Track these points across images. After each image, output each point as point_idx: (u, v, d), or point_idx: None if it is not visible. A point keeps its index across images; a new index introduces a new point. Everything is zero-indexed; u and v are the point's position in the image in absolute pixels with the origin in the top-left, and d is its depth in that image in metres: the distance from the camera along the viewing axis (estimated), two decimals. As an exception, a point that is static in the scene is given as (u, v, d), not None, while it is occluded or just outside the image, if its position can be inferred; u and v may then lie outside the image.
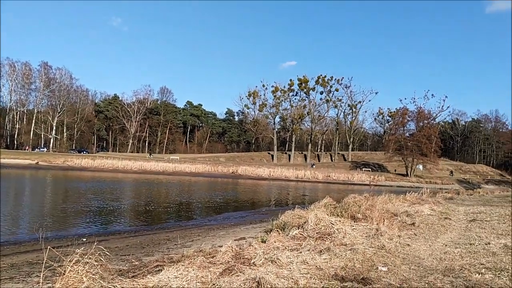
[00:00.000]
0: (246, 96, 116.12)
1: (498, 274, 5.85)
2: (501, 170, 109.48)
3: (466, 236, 9.57)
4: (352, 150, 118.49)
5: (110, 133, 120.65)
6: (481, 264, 6.51)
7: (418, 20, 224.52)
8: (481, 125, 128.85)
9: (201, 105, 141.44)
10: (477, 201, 22.92)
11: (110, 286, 4.61)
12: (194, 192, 36.82)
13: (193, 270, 5.45)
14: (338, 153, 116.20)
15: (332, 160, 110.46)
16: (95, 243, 5.47)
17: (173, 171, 67.77)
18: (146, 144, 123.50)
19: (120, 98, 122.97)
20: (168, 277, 5.17)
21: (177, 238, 11.87)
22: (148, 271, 6.05)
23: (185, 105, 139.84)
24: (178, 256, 7.32)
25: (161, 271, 5.51)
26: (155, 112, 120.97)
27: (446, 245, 8.30)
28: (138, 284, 4.83)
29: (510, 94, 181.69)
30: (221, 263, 6.01)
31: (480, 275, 5.80)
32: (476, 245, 8.19)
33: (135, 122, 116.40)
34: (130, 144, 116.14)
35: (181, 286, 4.90)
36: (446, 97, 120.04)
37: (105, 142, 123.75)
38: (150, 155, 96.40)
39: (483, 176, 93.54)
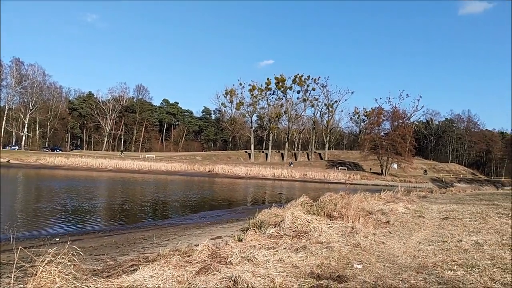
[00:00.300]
0: (223, 95, 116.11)
1: (470, 270, 5.98)
2: (472, 169, 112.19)
3: (439, 233, 9.75)
4: (329, 149, 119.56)
5: (85, 131, 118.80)
6: (453, 261, 6.63)
7: (393, 21, 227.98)
8: (454, 125, 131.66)
9: (178, 103, 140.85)
10: (450, 200, 23.37)
11: (84, 286, 4.53)
12: (170, 190, 36.55)
13: (169, 269, 5.40)
14: (315, 152, 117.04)
15: (309, 159, 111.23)
16: (68, 243, 5.36)
17: (149, 169, 67.20)
18: (122, 142, 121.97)
19: (95, 96, 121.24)
20: (144, 277, 5.10)
21: (153, 237, 11.76)
22: (123, 270, 5.96)
23: (162, 103, 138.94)
24: (154, 255, 7.25)
25: (136, 270, 5.44)
26: (130, 110, 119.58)
27: (419, 243, 8.43)
28: (113, 284, 4.76)
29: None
30: (197, 262, 5.97)
31: (452, 271, 5.91)
32: (449, 243, 8.35)
33: (110, 120, 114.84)
34: (105, 142, 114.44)
35: (156, 285, 4.85)
36: (420, 97, 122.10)
37: (79, 140, 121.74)
38: (121, 153, 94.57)
39: (456, 175, 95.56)
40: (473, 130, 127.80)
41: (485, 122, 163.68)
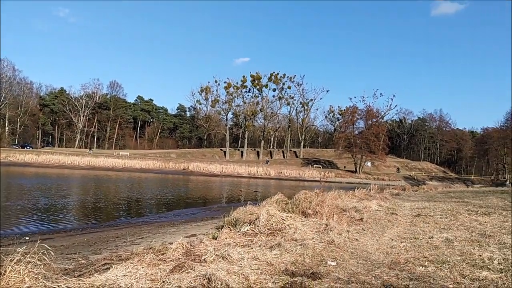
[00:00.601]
0: (198, 92, 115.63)
1: (440, 266, 6.11)
2: (444, 167, 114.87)
3: (411, 230, 9.92)
4: (304, 147, 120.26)
5: (56, 127, 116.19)
6: (425, 257, 6.76)
7: (367, 21, 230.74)
8: (426, 123, 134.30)
9: (152, 100, 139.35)
10: (422, 197, 23.81)
11: (55, 286, 4.43)
12: (145, 188, 36.16)
13: (142, 267, 5.34)
14: (290, 150, 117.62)
15: (284, 157, 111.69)
16: (39, 242, 5.24)
17: (122, 167, 66.33)
18: (95, 139, 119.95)
19: (67, 92, 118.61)
20: (116, 275, 5.03)
21: (127, 235, 11.62)
22: (95, 269, 5.86)
23: (136, 100, 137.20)
24: (127, 253, 7.15)
25: (109, 269, 5.35)
26: (104, 106, 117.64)
27: (392, 240, 8.57)
28: (85, 284, 4.67)
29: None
30: (171, 260, 5.92)
31: (424, 267, 6.03)
32: (420, 239, 8.51)
33: (83, 116, 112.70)
34: (77, 139, 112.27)
35: (129, 284, 4.78)
36: (394, 96, 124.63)
37: (50, 137, 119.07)
38: (90, 150, 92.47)
39: (428, 173, 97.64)
40: (444, 129, 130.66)
41: (456, 121, 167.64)
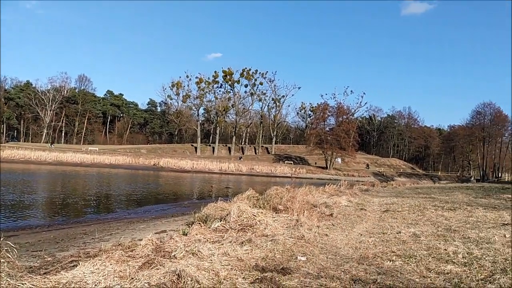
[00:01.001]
0: (169, 87, 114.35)
1: (407, 261, 6.23)
2: (412, 163, 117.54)
3: (380, 225, 10.09)
4: (276, 143, 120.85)
5: (22, 122, 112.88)
6: (392, 252, 6.89)
7: (339, 19, 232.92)
8: (395, 121, 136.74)
9: (122, 94, 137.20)
10: (390, 193, 24.26)
11: (19, 284, 4.30)
12: (114, 184, 35.60)
13: (110, 264, 5.24)
14: (262, 146, 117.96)
15: (256, 153, 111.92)
16: (2, 239, 5.09)
17: (91, 162, 65.19)
18: (63, 134, 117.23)
19: (34, 85, 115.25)
20: (84, 273, 4.92)
21: (95, 232, 11.41)
22: (62, 267, 5.72)
23: (105, 94, 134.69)
24: (95, 250, 7.03)
25: (76, 266, 5.24)
26: (72, 101, 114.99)
27: (361, 235, 8.70)
28: (50, 281, 4.55)
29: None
30: (140, 257, 5.85)
31: (391, 262, 6.14)
32: (388, 234, 8.67)
33: (50, 111, 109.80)
34: (44, 134, 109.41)
35: (97, 281, 4.69)
36: (364, 93, 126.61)
37: (16, 131, 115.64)
38: (51, 145, 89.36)
39: (396, 169, 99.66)
40: (413, 126, 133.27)
41: (424, 119, 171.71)
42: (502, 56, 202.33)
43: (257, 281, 4.91)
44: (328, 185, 21.45)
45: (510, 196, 20.24)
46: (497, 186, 35.32)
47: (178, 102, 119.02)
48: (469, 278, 5.26)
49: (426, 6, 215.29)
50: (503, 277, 5.25)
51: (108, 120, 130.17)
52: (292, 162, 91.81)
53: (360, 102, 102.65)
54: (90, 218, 16.85)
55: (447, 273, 5.54)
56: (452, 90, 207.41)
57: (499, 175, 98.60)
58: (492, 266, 5.89)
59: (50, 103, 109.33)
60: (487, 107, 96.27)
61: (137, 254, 6.01)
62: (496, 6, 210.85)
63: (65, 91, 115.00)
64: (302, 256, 6.35)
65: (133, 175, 49.31)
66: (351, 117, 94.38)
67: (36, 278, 4.57)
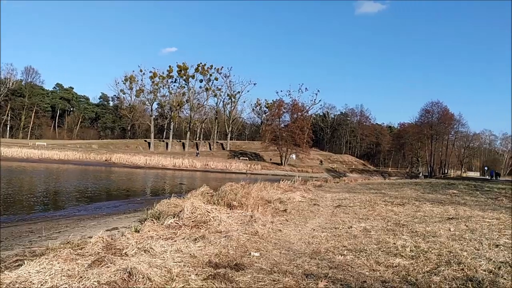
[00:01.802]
0: (122, 81, 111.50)
1: (358, 255, 6.38)
2: (364, 160, 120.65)
3: (332, 221, 10.28)
4: (231, 139, 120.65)
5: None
6: (344, 246, 7.03)
7: (297, 19, 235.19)
8: (348, 118, 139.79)
9: (73, 88, 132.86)
10: (343, 189, 24.76)
11: (-44, 287, 4.08)
12: (63, 180, 34.40)
13: (58, 263, 5.06)
14: (217, 142, 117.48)
15: (210, 149, 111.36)
16: None
17: (39, 158, 62.60)
18: (8, 128, 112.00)
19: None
20: (29, 272, 4.72)
21: (42, 230, 10.97)
22: (5, 266, 5.49)
23: (55, 87, 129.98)
24: (42, 249, 6.77)
25: (21, 266, 5.03)
26: (18, 93, 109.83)
27: (314, 230, 8.82)
28: (-9, 282, 4.34)
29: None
30: (90, 255, 5.68)
31: (343, 256, 6.26)
32: (340, 229, 8.83)
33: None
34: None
35: (43, 280, 4.51)
36: (318, 91, 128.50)
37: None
38: None
39: (349, 165, 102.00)
40: (365, 123, 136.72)
41: (375, 116, 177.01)
42: (450, 56, 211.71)
43: (210, 277, 4.88)
44: (282, 181, 21.65)
45: (455, 191, 21.19)
46: (444, 182, 36.82)
47: (131, 97, 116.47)
48: (416, 271, 5.44)
49: (378, 6, 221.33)
50: (447, 269, 5.47)
51: (58, 114, 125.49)
52: (247, 158, 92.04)
53: (315, 99, 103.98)
54: (36, 216, 16.15)
55: (396, 266, 5.71)
56: (402, 89, 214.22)
57: (445, 171, 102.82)
58: (437, 259, 6.12)
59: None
60: (435, 106, 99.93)
61: (87, 252, 5.85)
62: (445, 6, 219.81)
63: (11, 83, 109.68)
64: (255, 252, 6.37)
65: (84, 171, 47.85)
66: (305, 114, 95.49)
67: (-24, 279, 4.34)
